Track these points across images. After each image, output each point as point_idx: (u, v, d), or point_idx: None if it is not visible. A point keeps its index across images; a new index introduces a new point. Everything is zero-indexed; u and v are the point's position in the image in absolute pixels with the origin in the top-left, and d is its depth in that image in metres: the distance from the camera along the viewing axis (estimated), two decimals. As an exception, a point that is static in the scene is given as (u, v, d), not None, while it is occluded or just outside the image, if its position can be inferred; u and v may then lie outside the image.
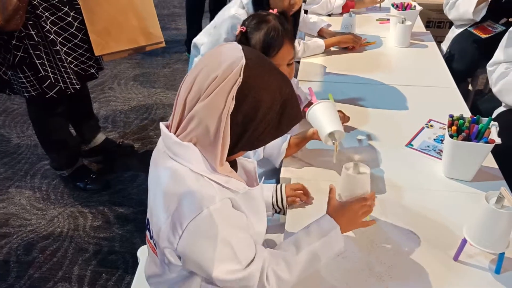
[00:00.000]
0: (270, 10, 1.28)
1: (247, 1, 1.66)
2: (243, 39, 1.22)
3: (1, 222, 2.05)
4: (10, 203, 2.16)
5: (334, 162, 1.25)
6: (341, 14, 2.37)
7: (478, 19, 2.21)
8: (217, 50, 0.81)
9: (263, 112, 0.78)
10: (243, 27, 1.19)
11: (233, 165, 0.89)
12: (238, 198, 0.83)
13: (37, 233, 1.99)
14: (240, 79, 0.76)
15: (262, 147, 1.30)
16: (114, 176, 2.33)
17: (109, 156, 2.45)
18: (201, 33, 1.96)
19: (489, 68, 1.74)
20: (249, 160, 0.96)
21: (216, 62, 0.78)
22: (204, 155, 0.79)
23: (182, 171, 0.79)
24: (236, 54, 0.78)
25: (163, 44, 2.00)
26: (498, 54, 1.70)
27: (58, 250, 1.90)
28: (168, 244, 0.79)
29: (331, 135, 1.22)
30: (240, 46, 0.81)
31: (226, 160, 0.82)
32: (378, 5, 2.54)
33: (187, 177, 0.78)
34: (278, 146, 1.31)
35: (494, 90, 1.70)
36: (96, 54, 1.89)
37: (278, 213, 1.18)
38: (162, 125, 0.85)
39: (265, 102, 0.78)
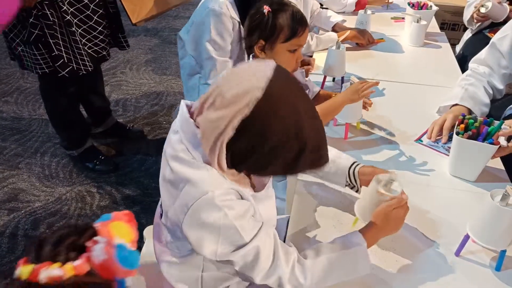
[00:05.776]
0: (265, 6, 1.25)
1: None
2: (270, 18, 1.21)
3: (10, 196, 2.09)
4: (19, 179, 2.20)
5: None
6: (355, 12, 2.37)
7: (472, 27, 2.30)
8: (248, 66, 0.75)
9: (269, 148, 0.71)
10: (268, 7, 1.20)
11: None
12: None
13: (45, 209, 2.03)
14: (247, 111, 0.69)
15: None
16: (122, 159, 2.36)
17: (118, 139, 2.49)
18: (184, 27, 1.90)
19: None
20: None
21: (237, 79, 0.72)
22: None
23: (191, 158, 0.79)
24: (258, 78, 0.70)
25: None
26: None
27: (65, 227, 1.94)
28: (177, 221, 0.81)
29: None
30: (270, 69, 0.72)
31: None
32: (386, 5, 2.56)
33: (197, 164, 0.78)
34: None
35: None
36: (133, 21, 1.91)
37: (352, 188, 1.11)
38: (183, 102, 0.83)
39: (274, 138, 0.71)
